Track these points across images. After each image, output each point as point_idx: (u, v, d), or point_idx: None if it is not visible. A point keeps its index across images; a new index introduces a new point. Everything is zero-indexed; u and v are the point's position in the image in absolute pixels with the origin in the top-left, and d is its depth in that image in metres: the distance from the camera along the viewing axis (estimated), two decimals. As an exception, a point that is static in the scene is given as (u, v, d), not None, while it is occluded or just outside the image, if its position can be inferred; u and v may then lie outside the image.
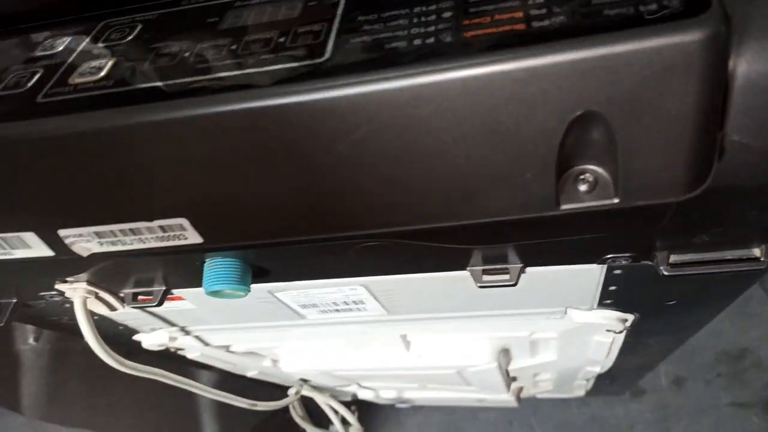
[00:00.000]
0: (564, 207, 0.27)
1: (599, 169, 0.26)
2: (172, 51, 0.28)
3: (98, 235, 0.30)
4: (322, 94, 0.23)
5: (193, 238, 0.30)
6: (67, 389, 1.57)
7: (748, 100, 0.25)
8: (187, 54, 0.27)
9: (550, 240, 0.33)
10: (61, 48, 0.30)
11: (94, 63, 0.28)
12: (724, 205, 0.31)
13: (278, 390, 0.99)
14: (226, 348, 0.65)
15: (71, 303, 0.49)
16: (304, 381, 0.85)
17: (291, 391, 0.84)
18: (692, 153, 0.24)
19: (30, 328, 1.53)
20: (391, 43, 0.24)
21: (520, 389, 0.92)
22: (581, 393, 1.01)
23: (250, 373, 0.82)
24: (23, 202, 0.29)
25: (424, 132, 0.23)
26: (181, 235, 0.30)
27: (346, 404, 1.05)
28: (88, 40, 0.30)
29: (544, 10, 0.23)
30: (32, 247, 0.32)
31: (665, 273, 0.37)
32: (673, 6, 0.22)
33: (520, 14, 0.23)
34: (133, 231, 0.30)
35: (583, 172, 0.27)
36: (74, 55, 0.29)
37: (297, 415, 0.93)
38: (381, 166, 0.25)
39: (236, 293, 0.40)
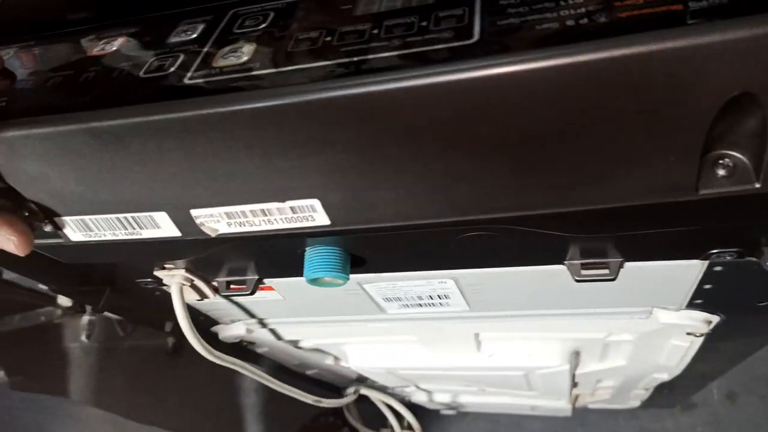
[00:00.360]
0: (702, 192, 0.27)
1: (738, 154, 0.26)
2: (312, 36, 0.28)
3: (228, 215, 0.31)
4: (483, 72, 0.23)
5: (321, 219, 0.30)
6: (114, 386, 1.60)
7: None
8: (329, 38, 0.28)
9: (667, 230, 0.33)
10: (195, 35, 0.32)
11: (235, 47, 0.29)
12: None
13: (329, 391, 1.00)
14: (295, 343, 0.66)
15: (161, 291, 0.50)
16: (361, 381, 0.86)
17: (350, 390, 0.84)
18: None
19: (82, 325, 1.57)
20: (542, 24, 0.24)
21: (576, 397, 0.91)
22: (636, 404, 0.99)
23: (310, 371, 0.82)
24: (162, 182, 0.30)
25: (579, 111, 0.24)
26: (309, 216, 0.30)
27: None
28: (222, 27, 0.31)
29: (700, -10, 0.23)
30: (161, 227, 0.33)
31: (771, 268, 0.37)
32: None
33: (674, -6, 0.23)
34: (264, 212, 0.31)
35: (722, 156, 0.27)
36: (211, 40, 0.31)
37: (351, 416, 0.93)
38: (524, 149, 0.26)
39: (336, 281, 0.41)
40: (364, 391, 0.84)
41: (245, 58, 0.28)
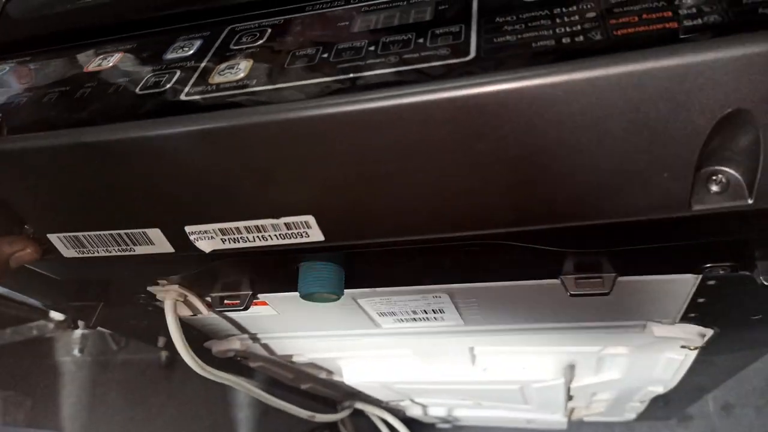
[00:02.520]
0: (695, 208, 0.27)
1: (731, 170, 0.27)
2: (309, 52, 0.29)
3: (222, 232, 0.31)
4: (480, 89, 0.23)
5: (316, 235, 0.30)
6: (107, 399, 1.58)
7: None
8: (325, 54, 0.28)
9: (661, 245, 0.33)
10: (192, 51, 0.32)
11: (231, 63, 0.29)
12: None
13: (323, 405, 0.99)
14: (289, 358, 0.65)
15: (154, 306, 0.50)
16: (356, 395, 0.85)
17: (344, 404, 0.83)
18: (838, 153, 0.24)
19: (75, 338, 1.55)
20: (538, 42, 0.25)
21: (572, 411, 0.91)
22: (632, 416, 0.99)
23: (304, 386, 0.82)
24: (157, 199, 0.30)
25: (575, 128, 0.24)
26: (304, 232, 0.30)
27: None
28: (219, 43, 0.32)
29: (694, 10, 0.24)
30: (155, 243, 0.32)
31: (765, 283, 0.37)
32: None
33: (669, 14, 0.24)
34: (258, 228, 0.30)
35: (715, 173, 0.27)
36: (208, 56, 0.31)
37: (346, 430, 0.92)
38: (520, 164, 0.26)
39: (330, 296, 0.41)
40: (358, 405, 0.83)
41: (242, 75, 0.28)
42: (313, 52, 0.29)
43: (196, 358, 0.48)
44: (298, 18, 0.32)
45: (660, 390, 0.72)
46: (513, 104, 0.24)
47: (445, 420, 0.99)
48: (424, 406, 0.91)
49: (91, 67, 0.34)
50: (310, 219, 0.30)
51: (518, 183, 0.26)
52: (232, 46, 0.31)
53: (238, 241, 0.31)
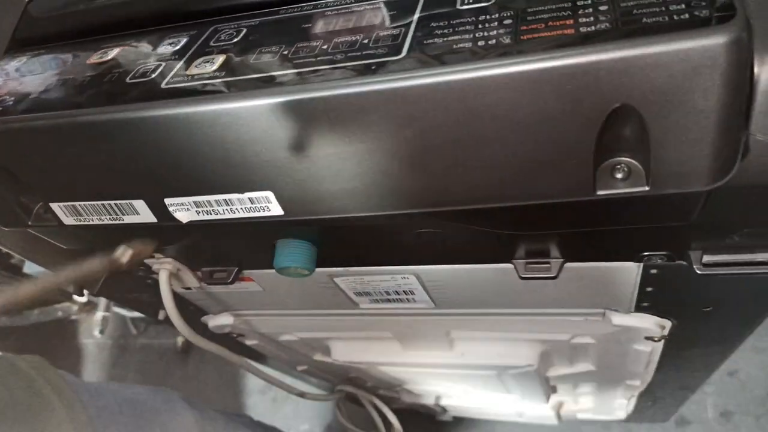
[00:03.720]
0: (600, 193, 0.30)
1: (633, 160, 0.30)
2: (273, 49, 0.33)
3: (196, 204, 0.36)
4: (400, 83, 0.27)
5: (276, 210, 0.35)
6: (125, 381, 1.65)
7: (772, 103, 0.28)
8: (286, 52, 0.32)
9: (591, 229, 0.37)
10: (179, 47, 0.36)
11: (208, 58, 0.34)
12: (751, 204, 0.34)
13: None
14: (280, 336, 0.70)
15: (152, 279, 0.55)
16: (351, 380, 0.89)
17: (338, 387, 0.88)
18: (716, 146, 0.27)
19: (96, 321, 1.63)
20: (459, 44, 0.28)
21: (561, 405, 0.93)
22: (622, 414, 1.01)
23: (300, 368, 0.86)
24: (140, 174, 0.35)
25: (484, 119, 0.28)
26: (266, 206, 0.35)
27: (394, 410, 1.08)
28: (201, 40, 0.36)
29: (591, 18, 0.27)
30: (140, 213, 0.37)
31: (699, 272, 0.40)
32: (702, 15, 0.25)
33: (570, 21, 0.27)
34: (226, 201, 0.35)
35: (620, 162, 0.30)
36: (191, 51, 0.35)
37: (342, 416, 0.96)
38: (444, 150, 0.30)
39: (302, 272, 0.45)
40: (350, 389, 0.87)
41: (214, 68, 0.33)
42: (276, 49, 0.33)
43: (186, 324, 0.53)
44: (270, 20, 0.36)
45: (637, 383, 0.74)
46: (430, 97, 0.28)
47: (436, 409, 1.02)
48: (417, 395, 0.95)
49: (93, 59, 0.39)
50: (270, 194, 0.34)
51: (444, 167, 0.30)
52: (211, 43, 0.36)
53: (210, 213, 0.36)
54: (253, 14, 0.38)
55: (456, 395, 0.91)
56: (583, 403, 0.93)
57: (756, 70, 0.28)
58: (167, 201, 0.36)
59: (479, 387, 0.80)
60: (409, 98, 0.28)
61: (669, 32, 0.25)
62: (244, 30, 0.36)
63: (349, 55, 0.31)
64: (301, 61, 0.31)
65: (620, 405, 0.93)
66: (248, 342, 0.73)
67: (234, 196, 0.35)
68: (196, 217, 0.37)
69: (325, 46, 0.32)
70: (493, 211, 0.33)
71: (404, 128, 0.29)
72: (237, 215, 0.36)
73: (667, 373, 0.74)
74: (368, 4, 0.35)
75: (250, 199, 0.34)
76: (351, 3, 0.35)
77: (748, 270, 0.40)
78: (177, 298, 0.58)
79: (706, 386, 1.29)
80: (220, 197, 0.35)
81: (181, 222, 0.37)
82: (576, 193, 0.31)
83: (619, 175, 0.30)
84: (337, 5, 0.36)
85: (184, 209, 0.36)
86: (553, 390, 0.83)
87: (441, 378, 0.78)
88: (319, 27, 0.34)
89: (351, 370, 0.80)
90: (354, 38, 0.32)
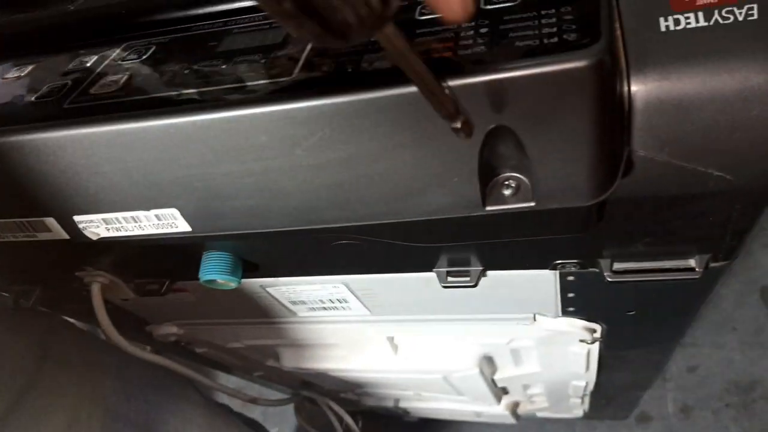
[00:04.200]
0: (489, 208, 0.31)
1: (522, 177, 0.31)
2: (175, 69, 0.33)
3: (105, 221, 0.36)
4: (285, 105, 0.28)
5: (183, 226, 0.35)
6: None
7: (649, 120, 0.29)
8: (186, 71, 0.33)
9: (497, 241, 0.38)
10: (89, 64, 0.37)
11: (114, 77, 0.34)
12: (645, 214, 0.35)
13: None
14: (228, 344, 0.70)
15: (87, 291, 0.55)
16: (308, 385, 0.90)
17: (294, 392, 0.88)
18: (592, 164, 0.28)
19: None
20: (347, 66, 0.29)
21: (516, 404, 0.95)
22: (579, 413, 1.03)
23: (257, 374, 0.87)
24: (47, 192, 0.35)
25: (368, 141, 0.28)
26: (173, 223, 0.35)
27: (352, 413, 1.09)
28: (111, 57, 0.36)
29: (470, 41, 0.28)
30: (52, 230, 0.37)
31: (609, 279, 0.41)
32: (570, 38, 0.26)
33: (451, 44, 0.28)
34: (134, 219, 0.35)
35: (509, 179, 0.31)
36: (99, 69, 0.36)
37: (301, 419, 0.97)
38: (333, 170, 0.30)
39: (228, 284, 0.45)
40: (307, 393, 0.88)
41: (118, 87, 0.33)
42: (178, 68, 0.33)
43: (121, 337, 0.53)
44: (180, 37, 0.37)
45: (583, 383, 0.76)
46: (314, 119, 0.28)
47: (397, 411, 1.03)
48: (375, 398, 0.96)
49: (10, 75, 0.39)
50: (175, 212, 0.34)
51: (336, 186, 0.31)
52: (119, 60, 0.36)
53: (120, 230, 0.36)
54: (165, 31, 0.38)
55: (411, 398, 0.92)
56: (538, 403, 0.94)
57: (633, 88, 0.29)
58: (76, 218, 0.36)
59: (431, 390, 0.81)
60: (297, 120, 0.29)
61: (535, 56, 0.26)
62: (153, 48, 0.37)
63: (245, 74, 0.31)
64: (201, 80, 0.32)
65: (575, 404, 0.95)
66: (198, 350, 0.74)
67: (141, 214, 0.35)
68: (107, 234, 0.37)
69: (224, 66, 0.33)
70: (397, 225, 0.34)
71: (292, 148, 0.30)
72: (147, 231, 0.36)
73: (612, 374, 0.76)
74: (275, 22, 0.35)
75: (157, 216, 0.35)
76: (260, 20, 0.36)
77: (655, 277, 0.41)
78: (116, 308, 0.58)
79: (666, 382, 1.32)
80: (128, 214, 0.35)
81: (92, 239, 0.37)
82: (467, 209, 0.31)
83: (507, 192, 0.31)
84: (246, 23, 0.36)
85: (94, 226, 0.36)
86: (505, 391, 0.85)
87: (393, 382, 0.79)
88: (224, 46, 0.35)
89: (306, 376, 0.80)
90: (253, 57, 0.33)
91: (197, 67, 0.33)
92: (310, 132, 0.29)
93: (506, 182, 0.31)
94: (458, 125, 0.24)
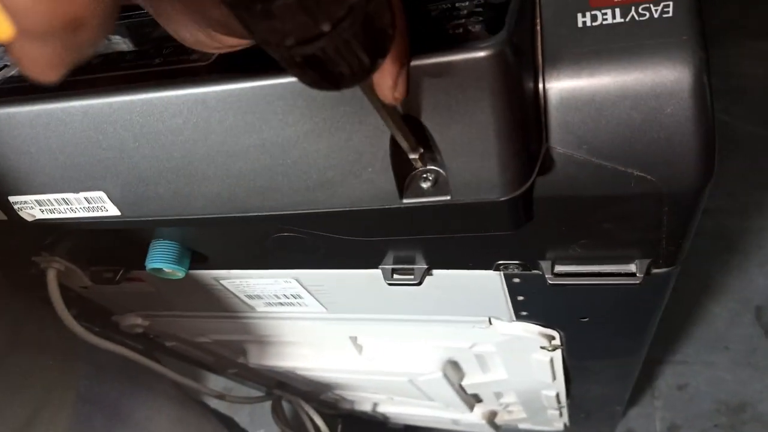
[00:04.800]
0: (406, 201, 0.31)
1: (440, 170, 0.31)
2: (104, 52, 0.34)
3: (39, 203, 0.36)
4: (199, 89, 0.28)
5: (113, 210, 0.35)
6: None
7: (564, 116, 0.29)
8: (116, 56, 0.33)
9: (428, 237, 0.37)
10: None
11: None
12: (572, 214, 0.34)
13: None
14: (194, 338, 0.70)
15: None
16: (282, 384, 0.90)
17: (267, 391, 0.88)
18: (502, 158, 0.28)
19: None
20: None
21: (493, 414, 0.93)
22: (560, 426, 1.01)
23: (231, 371, 0.87)
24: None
25: (281, 125, 0.29)
26: (102, 207, 0.35)
27: (332, 416, 1.09)
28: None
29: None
30: (-10, 211, 0.38)
31: (550, 282, 0.41)
32: (474, 30, 0.26)
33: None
34: (65, 201, 0.36)
35: (427, 171, 0.31)
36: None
37: (277, 419, 0.97)
38: (252, 155, 0.30)
39: (175, 273, 0.45)
40: (279, 393, 0.88)
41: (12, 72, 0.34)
42: (108, 52, 0.34)
43: (76, 323, 0.53)
44: (118, 24, 0.37)
45: (554, 393, 0.74)
46: (228, 104, 0.28)
47: (373, 416, 1.03)
48: (352, 401, 0.95)
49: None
50: (102, 195, 0.35)
51: (251, 172, 0.31)
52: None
53: (54, 212, 0.37)
54: None
55: (387, 402, 0.91)
56: (516, 413, 0.93)
57: (548, 84, 0.29)
58: (11, 199, 0.37)
59: (400, 393, 0.81)
60: (209, 104, 0.29)
61: (438, 46, 0.26)
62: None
63: (169, 59, 0.32)
64: (127, 64, 0.32)
65: (553, 416, 0.93)
66: (167, 344, 0.74)
67: (71, 196, 0.35)
68: (41, 216, 0.37)
69: (152, 50, 0.33)
70: (321, 216, 0.34)
71: (206, 133, 0.30)
72: (78, 215, 0.36)
73: (583, 385, 0.75)
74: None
75: (86, 199, 0.35)
76: None
77: (597, 281, 0.40)
78: (78, 297, 0.59)
79: (655, 400, 1.30)
80: (59, 196, 0.35)
81: (27, 221, 0.37)
82: (384, 201, 0.31)
83: (425, 185, 0.31)
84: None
85: (28, 208, 0.37)
86: (477, 399, 0.84)
87: (362, 384, 0.79)
88: (158, 32, 0.35)
89: (275, 374, 0.80)
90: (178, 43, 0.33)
91: (129, 51, 0.33)
92: (223, 117, 0.29)
93: (424, 175, 0.31)
94: (416, 156, 0.29)
